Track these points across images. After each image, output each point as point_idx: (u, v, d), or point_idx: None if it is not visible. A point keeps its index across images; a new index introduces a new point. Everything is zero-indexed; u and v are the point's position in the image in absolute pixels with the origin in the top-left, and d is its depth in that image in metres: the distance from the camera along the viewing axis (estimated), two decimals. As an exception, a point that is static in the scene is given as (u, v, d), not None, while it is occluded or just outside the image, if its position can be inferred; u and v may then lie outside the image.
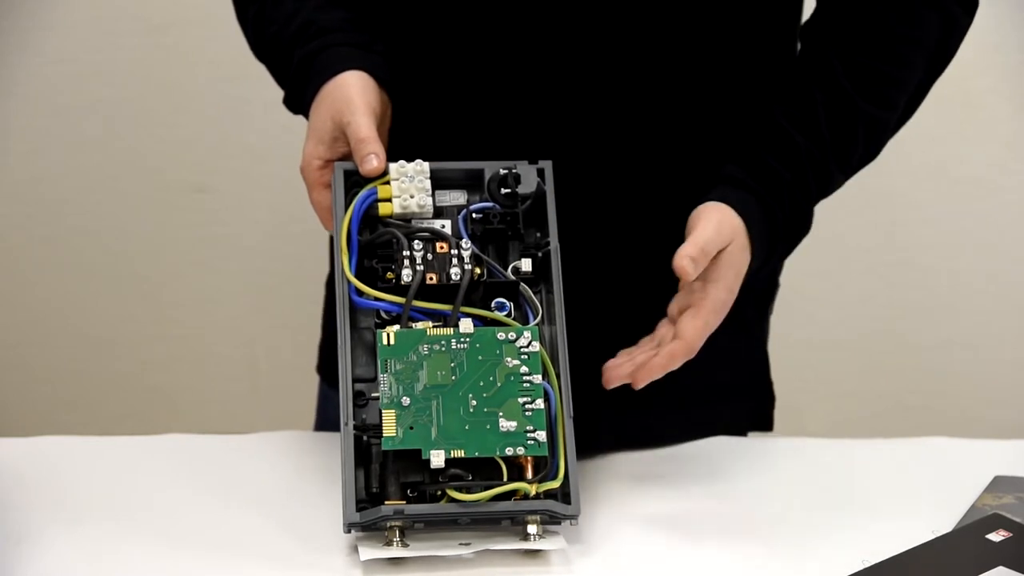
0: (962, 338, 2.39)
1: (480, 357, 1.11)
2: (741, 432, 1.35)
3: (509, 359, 1.11)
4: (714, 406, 1.34)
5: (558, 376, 1.13)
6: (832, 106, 1.23)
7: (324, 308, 1.43)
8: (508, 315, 1.14)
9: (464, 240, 1.14)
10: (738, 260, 1.19)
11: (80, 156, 2.28)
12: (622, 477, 1.25)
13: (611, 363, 1.19)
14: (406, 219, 1.16)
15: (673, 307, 1.20)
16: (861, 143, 1.26)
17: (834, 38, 1.25)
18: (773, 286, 1.39)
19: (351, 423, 1.10)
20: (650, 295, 1.30)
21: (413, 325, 1.12)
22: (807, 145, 1.23)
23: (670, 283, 1.30)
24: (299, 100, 1.23)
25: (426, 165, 1.17)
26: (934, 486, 1.23)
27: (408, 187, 1.16)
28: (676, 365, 1.17)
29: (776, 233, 1.22)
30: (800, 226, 1.25)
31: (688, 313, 1.17)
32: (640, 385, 1.17)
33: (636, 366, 1.17)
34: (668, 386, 1.31)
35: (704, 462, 1.28)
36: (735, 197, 1.20)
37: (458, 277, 1.13)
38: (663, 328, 1.20)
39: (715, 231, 1.17)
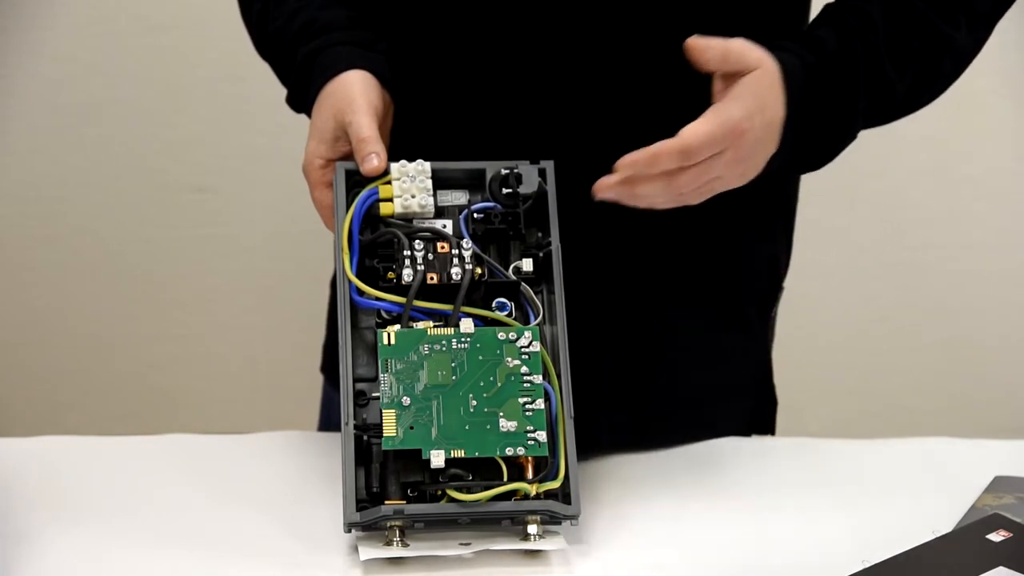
0: (962, 338, 2.39)
1: (481, 357, 1.11)
2: (742, 434, 1.35)
3: (510, 359, 1.11)
4: (715, 407, 1.34)
5: (559, 376, 1.13)
6: (889, 2, 1.21)
7: (329, 308, 1.43)
8: (509, 315, 1.14)
9: (465, 240, 1.14)
10: (763, 89, 1.14)
11: (80, 156, 2.29)
12: (622, 477, 1.25)
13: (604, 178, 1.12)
14: (407, 219, 1.16)
15: None
16: (919, 52, 1.22)
17: None
18: (776, 288, 1.39)
19: (351, 423, 1.10)
20: (652, 295, 1.30)
21: (414, 325, 1.12)
22: (857, 26, 1.19)
23: (670, 283, 1.30)
24: (302, 99, 1.23)
25: (427, 165, 1.17)
26: (934, 486, 1.23)
27: (409, 187, 1.16)
28: (664, 163, 1.10)
29: (819, 99, 1.18)
30: (845, 116, 1.19)
31: (694, 121, 1.12)
32: (625, 199, 1.12)
33: (634, 173, 1.10)
34: (669, 387, 1.31)
35: (704, 462, 1.28)
36: (776, 54, 1.16)
37: (459, 277, 1.13)
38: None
39: (742, 47, 1.13)
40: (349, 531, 1.09)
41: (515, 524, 1.11)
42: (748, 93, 1.14)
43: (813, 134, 1.20)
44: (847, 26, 1.20)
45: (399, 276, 1.13)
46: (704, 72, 1.13)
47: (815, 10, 1.31)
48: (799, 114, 1.17)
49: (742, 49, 1.14)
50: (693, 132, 1.11)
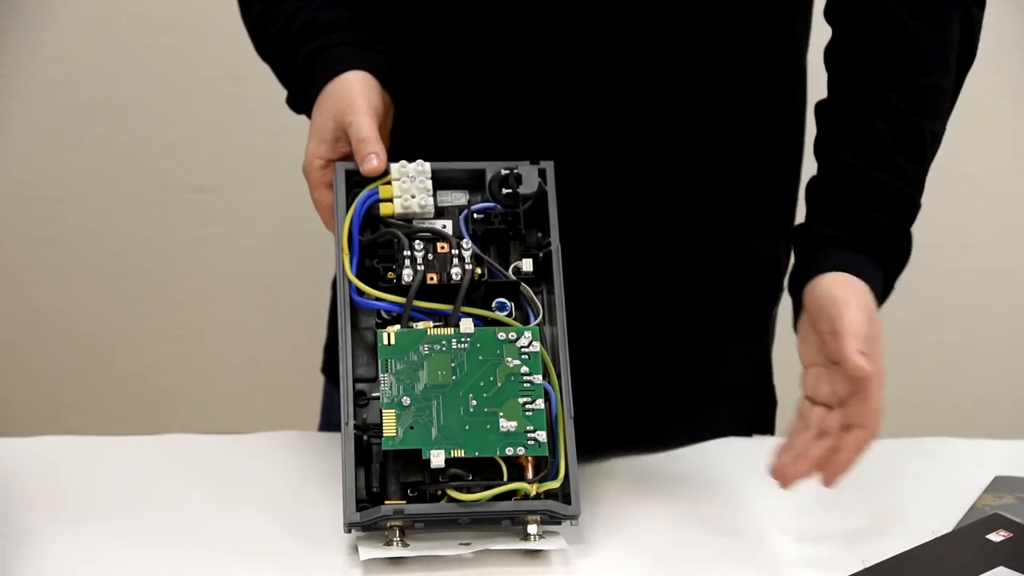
0: (963, 338, 2.39)
1: (480, 357, 1.11)
2: (742, 434, 1.35)
3: (510, 359, 1.11)
4: (715, 407, 1.34)
5: (559, 376, 1.13)
6: (899, 135, 1.22)
7: (330, 309, 1.43)
8: (509, 315, 1.14)
9: (465, 240, 1.14)
10: (878, 323, 1.18)
11: (80, 156, 2.28)
12: (622, 477, 1.25)
13: (782, 464, 1.14)
14: (407, 219, 1.16)
15: (821, 388, 1.16)
16: (928, 161, 1.25)
17: (869, 61, 1.24)
18: (778, 289, 1.39)
19: (352, 423, 1.10)
20: (651, 295, 1.30)
21: (414, 325, 1.12)
22: (893, 183, 1.22)
23: (670, 283, 1.30)
24: (302, 100, 1.23)
25: (427, 165, 1.17)
26: (934, 486, 1.23)
27: (409, 187, 1.16)
28: (863, 454, 1.14)
29: (889, 277, 1.22)
30: (903, 259, 1.24)
31: (858, 402, 1.14)
32: (832, 483, 1.14)
33: (813, 463, 1.13)
34: (669, 387, 1.31)
35: (704, 462, 1.28)
36: (849, 260, 1.19)
37: (459, 277, 1.13)
38: (815, 413, 1.16)
39: (859, 310, 1.15)
40: (349, 531, 1.09)
41: (515, 524, 1.11)
42: (878, 341, 1.16)
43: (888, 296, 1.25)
44: (885, 189, 1.21)
45: (399, 276, 1.13)
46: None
47: (816, 12, 1.32)
48: (881, 299, 1.22)
49: (867, 317, 1.15)
50: (876, 417, 1.14)
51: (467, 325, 1.12)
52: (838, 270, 1.18)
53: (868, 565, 1.08)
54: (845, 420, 1.14)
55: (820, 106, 1.27)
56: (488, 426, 1.09)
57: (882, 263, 1.21)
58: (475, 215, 1.17)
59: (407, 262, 1.13)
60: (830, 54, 1.27)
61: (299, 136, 1.22)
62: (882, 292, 1.21)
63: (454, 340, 1.11)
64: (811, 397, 1.17)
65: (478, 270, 1.14)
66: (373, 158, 1.15)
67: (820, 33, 1.31)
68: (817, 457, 1.14)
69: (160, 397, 2.37)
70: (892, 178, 1.22)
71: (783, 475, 1.14)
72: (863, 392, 1.14)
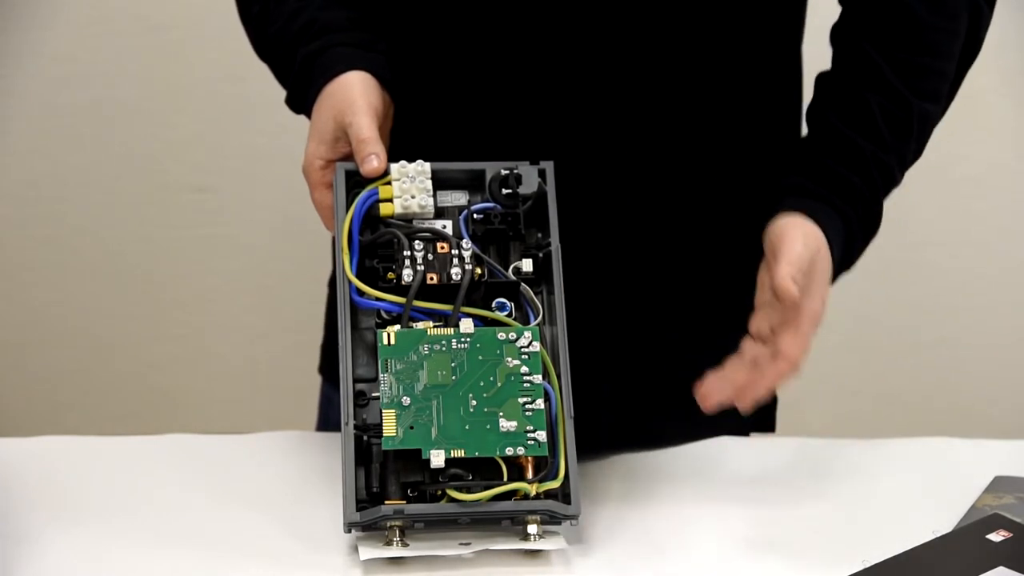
0: (962, 337, 2.39)
1: (480, 357, 1.11)
2: (743, 433, 1.35)
3: (510, 359, 1.11)
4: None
5: (559, 376, 1.13)
6: (887, 107, 1.24)
7: (327, 309, 1.43)
8: (509, 315, 1.14)
9: (465, 240, 1.14)
10: (825, 268, 1.20)
11: (80, 156, 2.28)
12: (622, 477, 1.25)
13: (706, 385, 1.18)
14: (407, 219, 1.16)
15: (763, 325, 1.19)
16: (915, 139, 1.26)
17: (871, 37, 1.25)
18: (776, 286, 1.39)
19: (351, 423, 1.10)
20: (652, 295, 1.30)
21: (414, 325, 1.12)
22: (872, 148, 1.23)
23: (670, 283, 1.30)
24: (301, 100, 1.23)
25: (427, 165, 1.17)
26: (934, 486, 1.23)
27: (409, 187, 1.16)
28: (781, 384, 1.17)
29: (853, 237, 1.23)
30: (871, 227, 1.25)
31: (787, 331, 1.16)
32: (747, 408, 1.17)
33: (737, 388, 1.17)
34: (669, 387, 1.31)
35: (704, 462, 1.28)
36: (810, 206, 1.21)
37: (459, 277, 1.13)
38: (754, 347, 1.19)
39: (803, 245, 1.17)
40: (349, 531, 1.09)
41: (515, 524, 1.11)
42: (819, 280, 1.19)
43: (851, 262, 1.27)
44: (862, 151, 1.23)
45: (399, 276, 1.13)
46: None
47: (813, 12, 1.32)
48: (840, 258, 1.23)
49: (807, 251, 1.18)
50: (799, 349, 1.16)
51: (467, 325, 1.12)
52: (799, 213, 1.20)
53: (868, 565, 1.08)
54: (774, 350, 1.17)
55: (820, 77, 1.28)
56: (488, 426, 1.09)
57: (846, 220, 1.22)
58: (475, 215, 1.17)
59: (407, 262, 1.13)
60: (836, 32, 1.28)
61: (299, 136, 1.22)
62: (842, 250, 1.22)
63: (454, 340, 1.11)
64: (754, 334, 1.19)
65: (478, 270, 1.14)
66: (373, 158, 1.15)
67: (815, 24, 1.32)
68: (740, 382, 1.17)
69: (160, 397, 2.37)
70: (872, 145, 1.23)
71: (704, 396, 1.18)
72: (794, 323, 1.16)
